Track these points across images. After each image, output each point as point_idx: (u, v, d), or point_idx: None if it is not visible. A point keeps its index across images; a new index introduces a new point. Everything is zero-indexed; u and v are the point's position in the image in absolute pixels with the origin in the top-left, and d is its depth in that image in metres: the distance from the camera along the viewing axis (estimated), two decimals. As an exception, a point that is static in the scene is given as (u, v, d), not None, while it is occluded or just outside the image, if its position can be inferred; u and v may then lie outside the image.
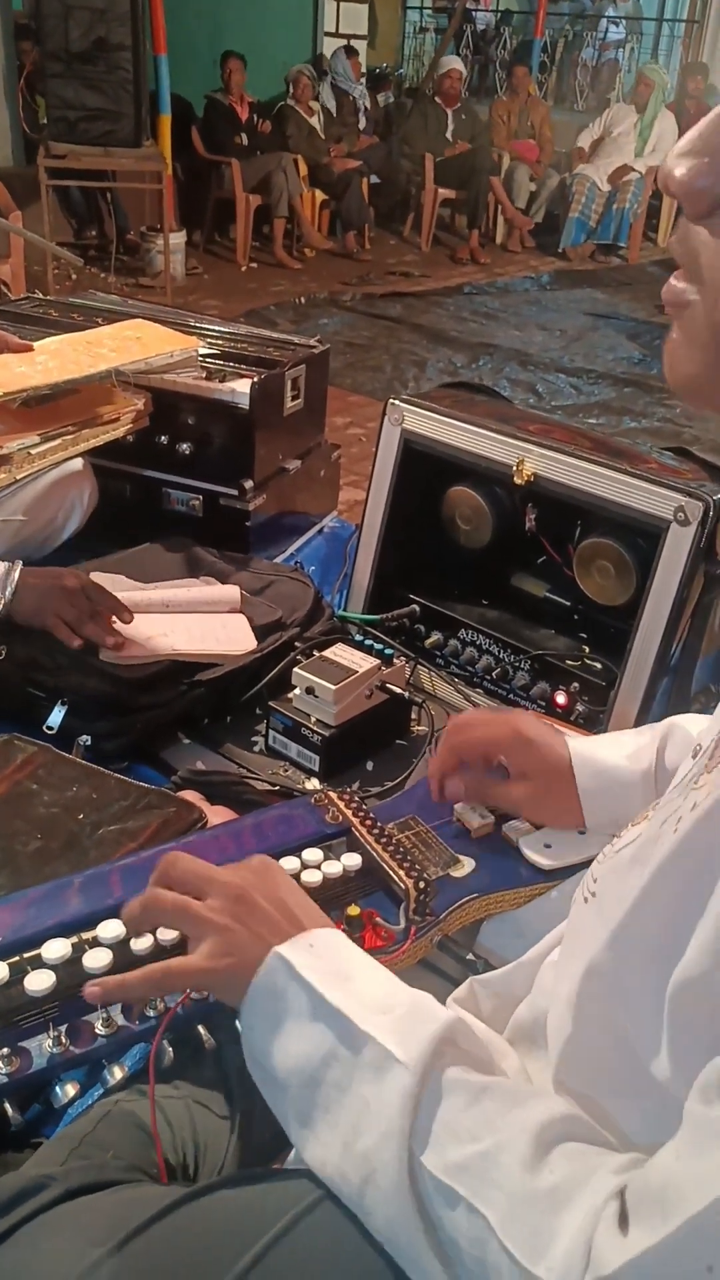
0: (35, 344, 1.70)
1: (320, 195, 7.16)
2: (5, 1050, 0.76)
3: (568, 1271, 0.50)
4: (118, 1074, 0.85)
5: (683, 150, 0.48)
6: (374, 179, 7.38)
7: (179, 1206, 0.63)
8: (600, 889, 0.67)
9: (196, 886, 0.72)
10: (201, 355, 1.87)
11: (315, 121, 7.30)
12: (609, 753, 0.96)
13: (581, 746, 0.96)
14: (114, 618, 1.43)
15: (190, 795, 1.21)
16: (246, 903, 0.70)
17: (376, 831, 0.98)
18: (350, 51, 7.98)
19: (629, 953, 0.60)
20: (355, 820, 0.99)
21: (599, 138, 7.63)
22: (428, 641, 1.62)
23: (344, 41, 8.41)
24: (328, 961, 0.67)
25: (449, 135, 7.51)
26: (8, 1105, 0.86)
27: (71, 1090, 0.87)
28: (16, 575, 1.39)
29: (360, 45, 8.67)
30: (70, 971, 0.80)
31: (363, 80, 8.18)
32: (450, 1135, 0.58)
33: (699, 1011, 0.52)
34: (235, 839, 0.97)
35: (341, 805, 1.01)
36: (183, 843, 0.98)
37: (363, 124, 7.85)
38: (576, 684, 1.48)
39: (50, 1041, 0.77)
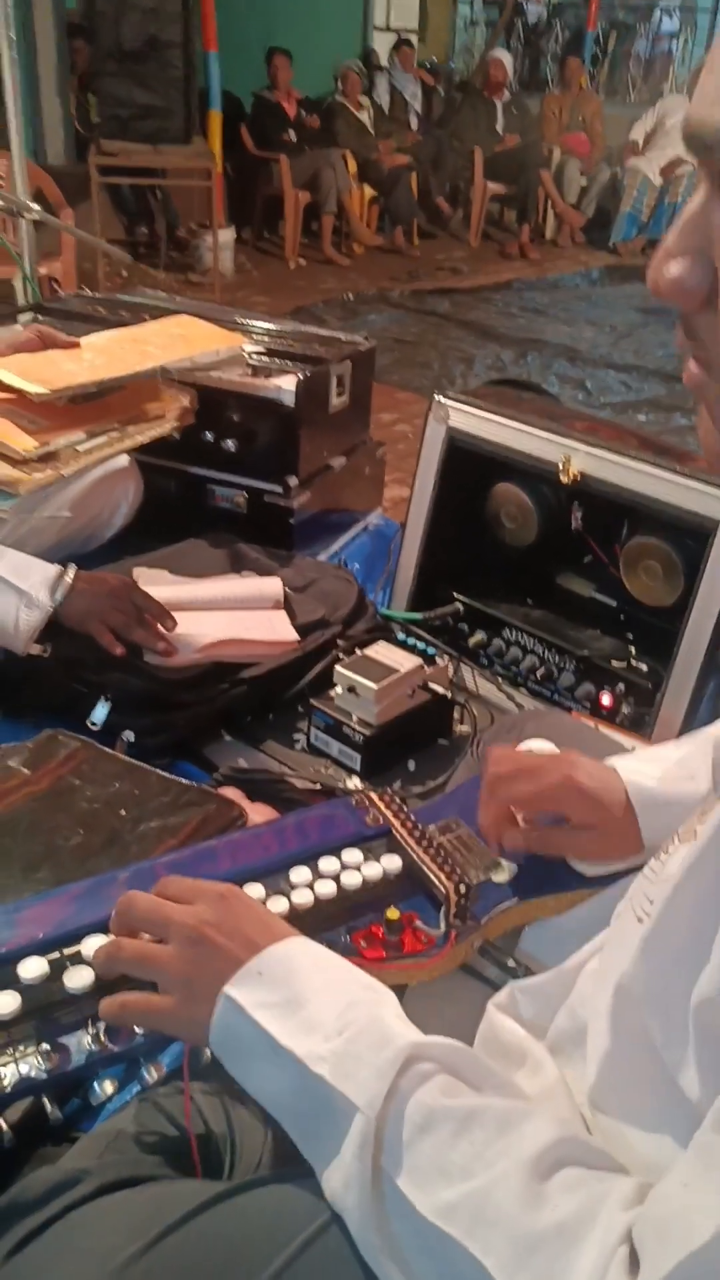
0: (82, 341, 1.71)
1: (370, 191, 7.15)
2: (45, 1047, 0.76)
3: None
4: (155, 1072, 0.85)
5: (669, 252, 0.48)
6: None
7: (212, 1205, 0.63)
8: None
9: (156, 928, 0.72)
10: (247, 352, 1.87)
11: (364, 117, 7.29)
12: (657, 773, 0.92)
13: (634, 776, 0.92)
14: (159, 625, 1.44)
15: (231, 792, 1.21)
16: (204, 944, 0.68)
17: (417, 834, 0.97)
18: (404, 44, 7.93)
19: (656, 965, 0.60)
20: (396, 822, 0.98)
21: (651, 131, 7.54)
22: (471, 641, 1.61)
23: (394, 36, 8.38)
24: (278, 989, 0.65)
25: (499, 129, 7.46)
26: (46, 1101, 0.87)
27: (110, 1087, 0.87)
28: (70, 579, 1.40)
29: (410, 40, 8.63)
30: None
31: (418, 75, 8.12)
32: (439, 1173, 0.55)
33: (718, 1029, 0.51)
34: (275, 838, 0.96)
35: (382, 806, 1.00)
36: (224, 840, 0.98)
37: (414, 123, 7.80)
38: (622, 685, 1.46)
39: (89, 1039, 0.77)
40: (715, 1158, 0.47)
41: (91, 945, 0.81)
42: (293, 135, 6.78)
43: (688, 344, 0.50)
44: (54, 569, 1.41)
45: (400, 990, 0.89)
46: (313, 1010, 0.64)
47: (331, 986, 0.66)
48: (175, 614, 1.48)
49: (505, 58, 7.68)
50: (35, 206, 2.55)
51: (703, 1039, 0.53)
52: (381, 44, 8.57)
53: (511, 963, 0.92)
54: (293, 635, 1.52)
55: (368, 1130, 0.57)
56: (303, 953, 0.69)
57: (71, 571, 1.41)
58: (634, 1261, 0.49)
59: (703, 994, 0.53)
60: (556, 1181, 0.54)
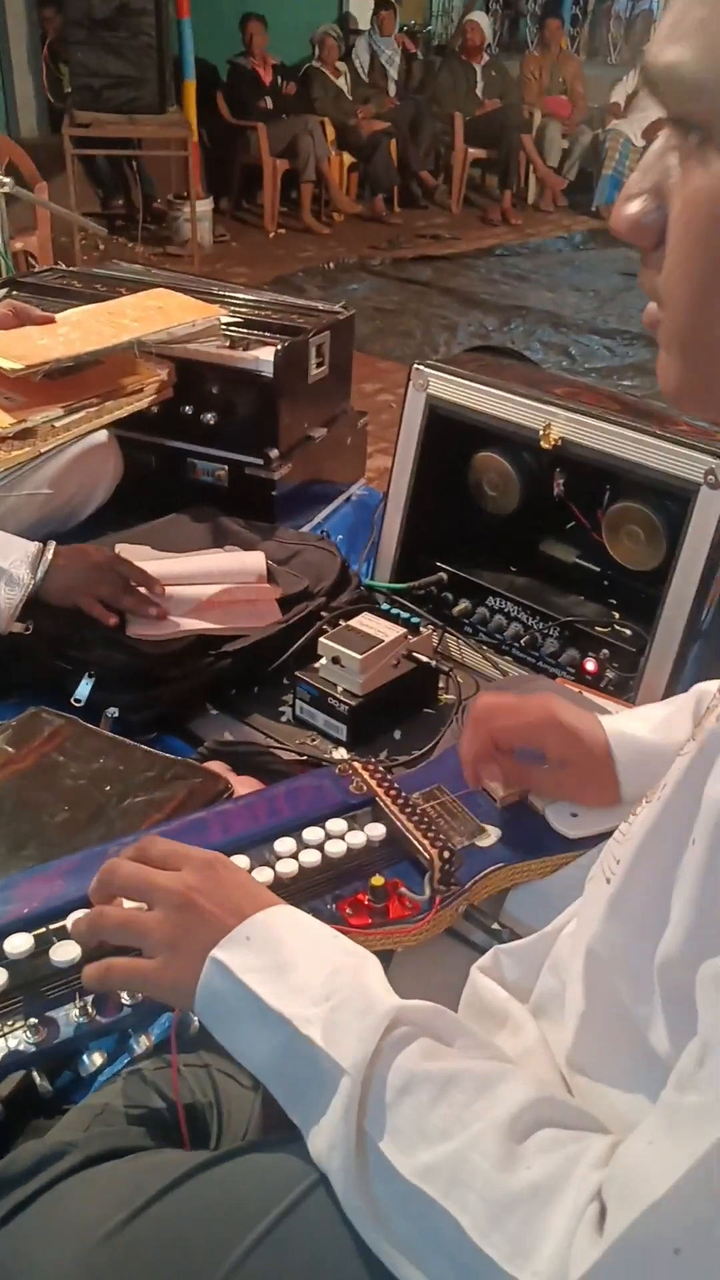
0: (57, 316, 1.69)
1: (348, 158, 7.08)
2: (33, 1020, 0.77)
3: (555, 1276, 0.49)
4: (144, 1043, 0.86)
5: (629, 192, 0.51)
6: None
7: (197, 1173, 0.64)
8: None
9: (141, 894, 0.72)
10: (225, 323, 1.85)
11: (342, 83, 7.20)
12: (641, 728, 0.94)
13: (617, 724, 0.95)
14: (146, 591, 1.44)
15: (216, 766, 1.22)
16: (190, 909, 0.69)
17: (401, 801, 0.97)
18: (384, 7, 7.80)
19: (622, 926, 0.60)
20: (380, 790, 0.99)
21: (633, 92, 7.46)
22: (455, 609, 1.61)
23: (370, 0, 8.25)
24: (265, 954, 0.66)
25: (479, 93, 7.38)
26: (36, 1074, 0.88)
27: (99, 1059, 0.88)
28: (50, 555, 1.39)
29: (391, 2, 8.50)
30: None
31: (399, 40, 7.98)
32: (419, 1135, 0.56)
33: (684, 988, 0.51)
34: (260, 809, 0.97)
35: (366, 775, 1.00)
36: (209, 813, 0.98)
37: (392, 89, 7.70)
38: (606, 650, 1.46)
39: (77, 1011, 0.78)
40: (678, 1115, 0.47)
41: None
42: (269, 102, 6.70)
43: (646, 286, 0.52)
44: (34, 546, 1.40)
45: (387, 956, 0.90)
46: (300, 975, 0.64)
47: (317, 953, 0.67)
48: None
49: (483, 20, 7.60)
50: (8, 180, 2.51)
51: (668, 998, 0.54)
52: (357, 7, 8.43)
53: (496, 926, 0.92)
54: (276, 611, 1.52)
55: (353, 1092, 0.58)
56: (289, 920, 0.70)
57: (51, 548, 1.41)
58: (603, 1219, 0.49)
59: (665, 953, 0.54)
60: (532, 1142, 0.55)
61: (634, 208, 0.51)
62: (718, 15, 0.44)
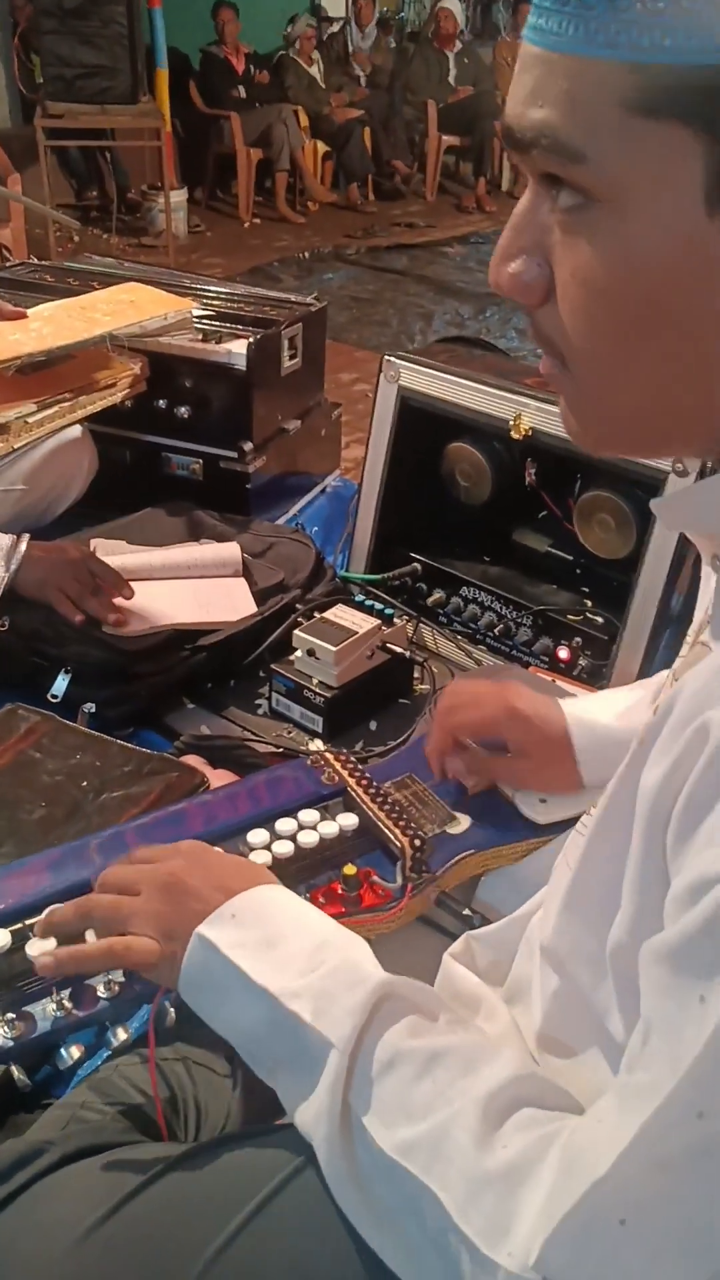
0: (29, 310, 1.69)
1: (322, 147, 7.05)
2: (10, 1015, 0.77)
3: (528, 1255, 0.50)
4: (122, 1035, 0.86)
5: (506, 253, 0.51)
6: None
7: (174, 1168, 0.64)
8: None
9: (129, 885, 0.73)
10: (197, 316, 1.85)
11: (315, 71, 7.17)
12: (604, 713, 0.95)
13: (577, 710, 0.95)
14: (116, 594, 1.45)
15: (193, 760, 1.22)
16: (177, 887, 0.70)
17: (373, 791, 0.98)
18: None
19: (579, 913, 0.62)
20: (351, 780, 1.00)
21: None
22: (430, 600, 1.62)
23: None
24: (252, 929, 0.66)
25: (451, 81, 7.36)
26: (15, 1069, 0.88)
27: (77, 1052, 0.88)
28: (24, 548, 1.40)
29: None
30: (71, 937, 0.81)
31: (359, 22, 7.93)
32: (402, 1111, 0.57)
33: (633, 972, 0.52)
34: (233, 801, 0.98)
35: (337, 766, 1.02)
36: (185, 805, 0.99)
37: (360, 75, 7.66)
38: (579, 638, 1.48)
39: (54, 1005, 0.78)
40: (628, 1096, 0.48)
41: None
42: (242, 91, 6.66)
43: (534, 338, 0.54)
44: (7, 539, 1.40)
45: (361, 944, 0.92)
46: (286, 949, 0.65)
47: (305, 927, 0.67)
48: (135, 584, 1.48)
49: (455, 7, 7.55)
50: (-22, 173, 2.50)
51: (620, 984, 0.55)
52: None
53: (468, 913, 0.94)
54: (251, 604, 1.53)
55: (341, 1066, 0.58)
56: (276, 898, 0.70)
57: (25, 540, 1.41)
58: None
59: (615, 939, 0.55)
60: (512, 1121, 0.55)
61: (515, 266, 0.51)
62: (584, 88, 0.44)
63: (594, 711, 0.95)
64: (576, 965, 0.62)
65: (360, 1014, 0.60)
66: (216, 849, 0.77)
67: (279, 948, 0.65)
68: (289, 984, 0.63)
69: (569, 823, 0.96)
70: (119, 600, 1.45)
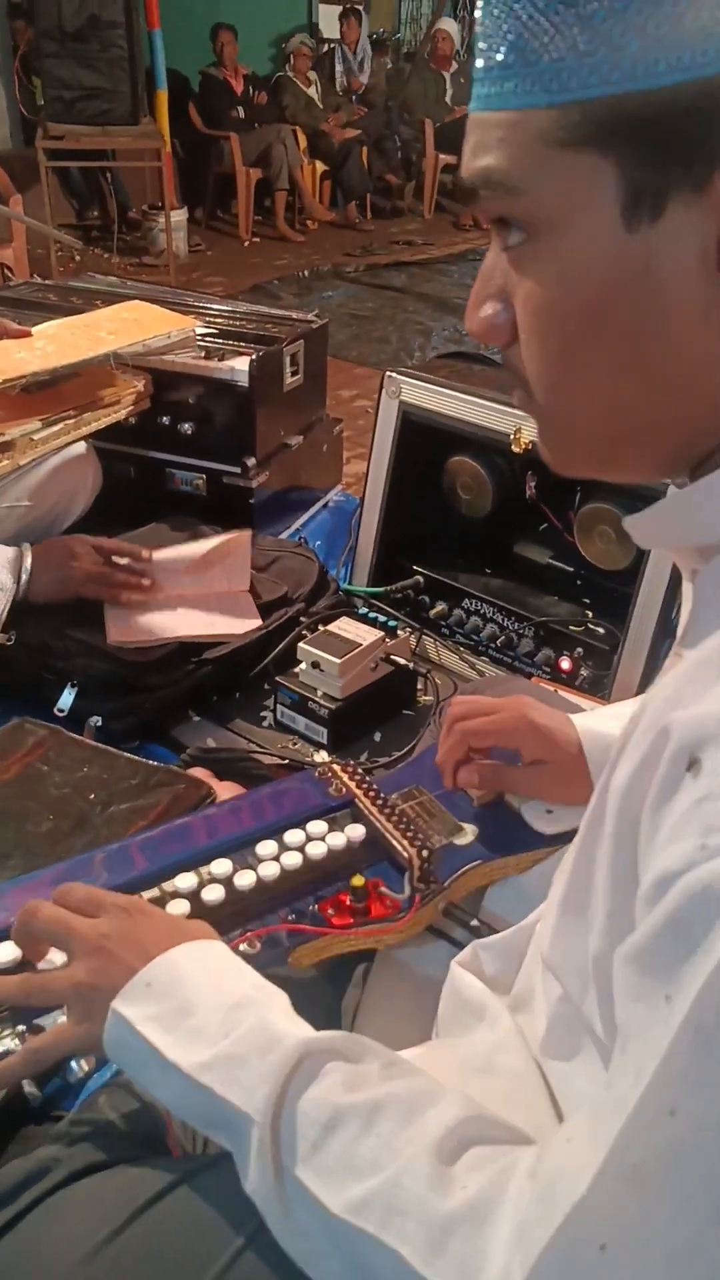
0: (34, 329, 1.71)
1: (321, 166, 7.10)
2: (21, 1028, 0.77)
3: None
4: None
5: (478, 300, 0.56)
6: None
7: (180, 1184, 0.63)
8: None
9: (59, 940, 0.71)
10: (200, 334, 1.87)
11: (313, 91, 7.23)
12: (615, 726, 0.95)
13: (589, 723, 0.95)
14: (134, 559, 1.49)
15: (199, 772, 1.23)
16: (105, 955, 0.68)
17: (380, 802, 0.99)
18: (349, 14, 7.82)
19: (568, 921, 0.62)
20: (359, 792, 1.00)
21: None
22: (432, 612, 1.63)
23: (339, 8, 8.28)
24: (165, 1000, 0.64)
25: (448, 100, 7.42)
26: (25, 1082, 0.89)
27: (87, 1065, 0.88)
28: (29, 560, 1.41)
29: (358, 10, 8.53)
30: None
31: (358, 45, 8.00)
32: (349, 1170, 0.54)
33: (610, 979, 0.51)
34: (240, 814, 0.98)
35: (345, 778, 1.02)
36: (191, 818, 0.99)
37: (351, 89, 7.70)
38: (580, 649, 1.49)
39: (64, 1018, 0.79)
40: (600, 1111, 0.46)
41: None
42: (241, 112, 6.72)
43: (512, 375, 0.57)
44: (10, 551, 1.42)
45: (369, 955, 0.92)
46: (199, 1018, 0.63)
47: (219, 990, 0.64)
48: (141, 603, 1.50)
49: (452, 28, 7.63)
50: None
51: (602, 991, 0.54)
52: (326, 16, 8.46)
53: (476, 923, 0.94)
54: (256, 617, 1.53)
55: (263, 1137, 0.56)
56: (195, 956, 0.67)
57: (29, 550, 1.42)
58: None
59: (596, 947, 0.55)
60: (463, 1162, 0.53)
61: (485, 311, 0.56)
62: (513, 133, 0.50)
63: (603, 724, 0.95)
64: (568, 974, 0.61)
65: (275, 1078, 0.57)
66: (147, 905, 0.74)
67: (192, 1016, 0.63)
68: (198, 1056, 0.60)
69: (575, 833, 0.97)
70: (128, 595, 1.47)
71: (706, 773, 0.45)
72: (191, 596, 1.56)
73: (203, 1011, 0.63)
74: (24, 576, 1.39)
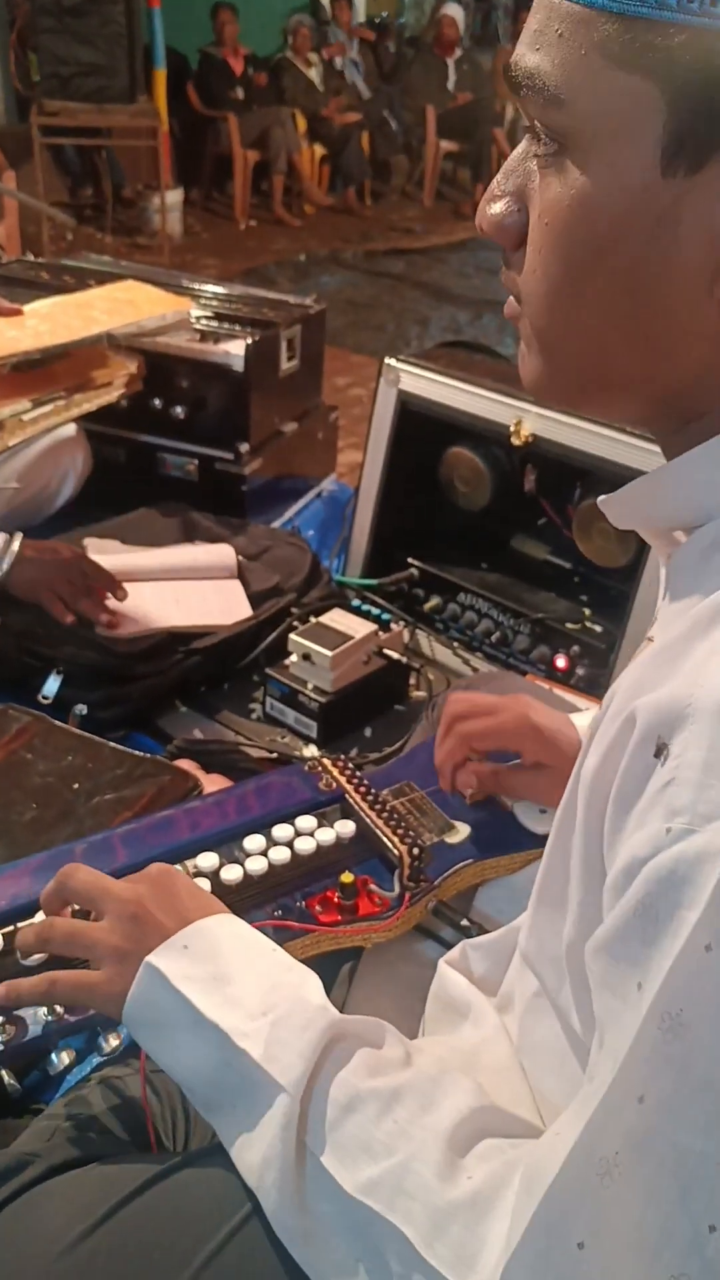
0: (25, 307, 1.67)
1: (320, 150, 7.05)
2: (1, 1019, 0.76)
3: None
4: (113, 1042, 0.85)
5: (493, 194, 0.54)
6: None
7: (160, 1180, 0.62)
8: None
9: (93, 902, 0.71)
10: (195, 316, 1.84)
11: (314, 74, 7.17)
12: None
13: (588, 724, 0.95)
14: (108, 595, 1.43)
15: (186, 764, 1.21)
16: (141, 920, 0.68)
17: (371, 798, 0.97)
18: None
19: (543, 915, 0.62)
20: (349, 787, 0.98)
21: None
22: (427, 605, 1.61)
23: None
24: (204, 964, 0.64)
25: (450, 87, 7.37)
26: (5, 1073, 0.87)
27: (68, 1058, 0.87)
28: (16, 547, 1.39)
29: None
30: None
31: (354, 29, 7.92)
32: (364, 1151, 0.55)
33: (583, 969, 0.51)
34: (228, 807, 0.96)
35: (335, 772, 1.00)
36: (177, 810, 0.98)
37: (360, 84, 7.63)
38: (577, 647, 1.47)
39: (45, 1010, 0.77)
40: (587, 1105, 0.47)
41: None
42: (240, 93, 6.66)
43: (507, 284, 0.56)
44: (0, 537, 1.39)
45: (356, 952, 0.90)
46: (237, 989, 0.63)
47: (256, 967, 0.65)
48: (128, 585, 1.47)
49: (457, 13, 7.57)
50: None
51: (576, 983, 0.54)
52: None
53: (465, 922, 0.92)
54: (246, 610, 1.51)
55: (292, 1110, 0.57)
56: (229, 931, 0.68)
57: (18, 539, 1.40)
58: None
59: (568, 938, 0.55)
60: (474, 1152, 0.55)
61: (497, 208, 0.54)
62: (575, 33, 0.47)
63: None
64: (543, 966, 0.62)
65: (310, 1057, 0.58)
66: (179, 872, 0.74)
67: (230, 985, 0.63)
68: (240, 1024, 0.61)
69: (567, 832, 0.95)
70: (111, 602, 1.44)
71: (673, 757, 0.45)
72: (180, 586, 1.54)
73: (240, 984, 0.63)
74: (6, 564, 1.37)
